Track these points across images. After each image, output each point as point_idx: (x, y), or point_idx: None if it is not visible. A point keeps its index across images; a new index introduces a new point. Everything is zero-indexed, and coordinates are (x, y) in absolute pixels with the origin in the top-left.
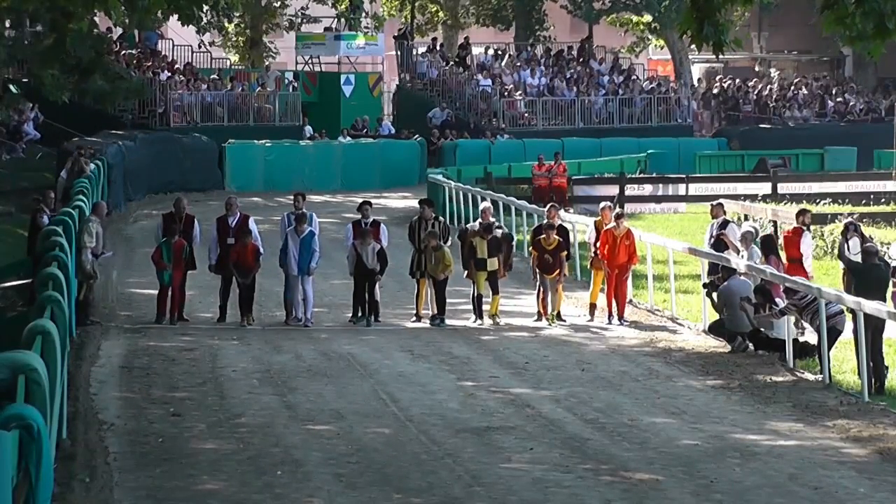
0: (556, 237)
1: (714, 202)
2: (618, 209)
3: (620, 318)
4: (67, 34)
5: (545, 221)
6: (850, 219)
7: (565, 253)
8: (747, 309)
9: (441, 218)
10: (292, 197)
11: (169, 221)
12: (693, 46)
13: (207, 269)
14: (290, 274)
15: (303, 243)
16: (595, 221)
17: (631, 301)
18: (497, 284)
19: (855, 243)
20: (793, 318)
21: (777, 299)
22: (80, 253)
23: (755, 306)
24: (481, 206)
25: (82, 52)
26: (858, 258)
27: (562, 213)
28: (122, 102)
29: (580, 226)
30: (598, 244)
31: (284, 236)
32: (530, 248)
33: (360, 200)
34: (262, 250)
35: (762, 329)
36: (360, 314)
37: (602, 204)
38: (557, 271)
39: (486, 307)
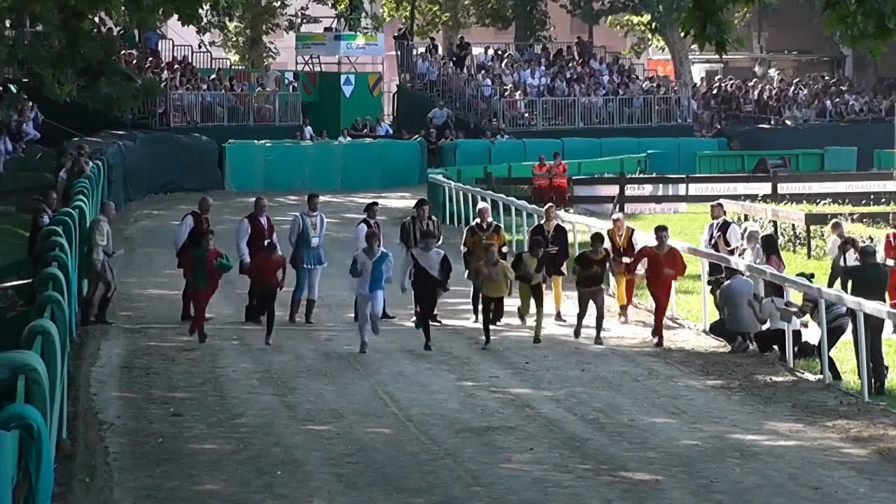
0: (604, 252)
1: (714, 203)
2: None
3: (658, 338)
4: (79, 35)
5: (621, 223)
6: (837, 219)
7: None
8: (755, 307)
9: (434, 217)
10: (307, 197)
11: (199, 222)
12: (693, 46)
13: (238, 270)
14: (303, 273)
15: (374, 266)
16: (608, 231)
17: (631, 301)
18: (542, 297)
19: (850, 256)
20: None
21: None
22: (92, 252)
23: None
24: (478, 206)
25: (91, 53)
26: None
27: (561, 213)
28: (131, 105)
29: (580, 226)
30: (614, 257)
31: (353, 260)
32: (573, 265)
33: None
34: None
35: (764, 322)
36: (429, 339)
37: (615, 215)
38: (599, 285)
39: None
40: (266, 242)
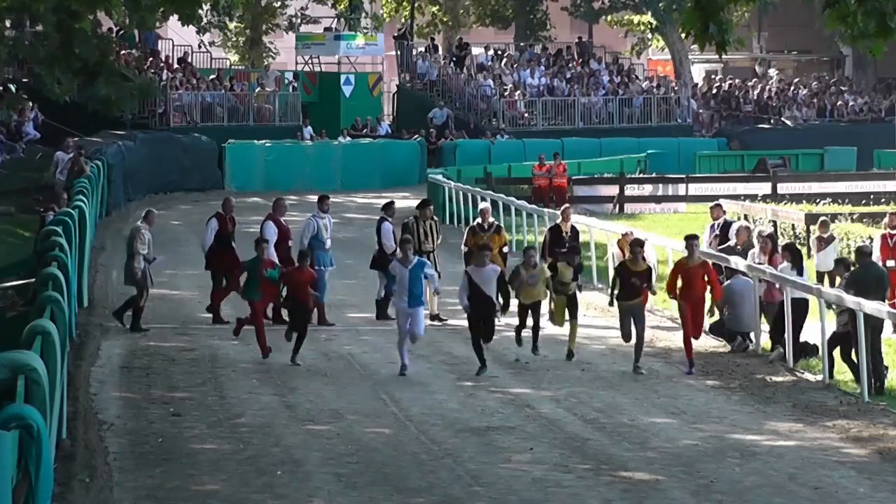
0: (645, 262)
1: (713, 204)
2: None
3: (690, 365)
4: (74, 35)
5: (630, 237)
6: (825, 219)
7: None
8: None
9: (435, 217)
10: (318, 199)
11: (224, 223)
12: (693, 46)
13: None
14: (319, 274)
15: (412, 276)
16: (618, 242)
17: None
18: (577, 308)
19: (827, 252)
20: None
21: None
22: (132, 259)
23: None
24: (480, 206)
25: (88, 53)
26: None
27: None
28: (129, 105)
29: (581, 226)
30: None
31: (388, 272)
32: (613, 277)
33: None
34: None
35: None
36: (482, 363)
37: (624, 229)
38: (643, 297)
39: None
40: (299, 251)
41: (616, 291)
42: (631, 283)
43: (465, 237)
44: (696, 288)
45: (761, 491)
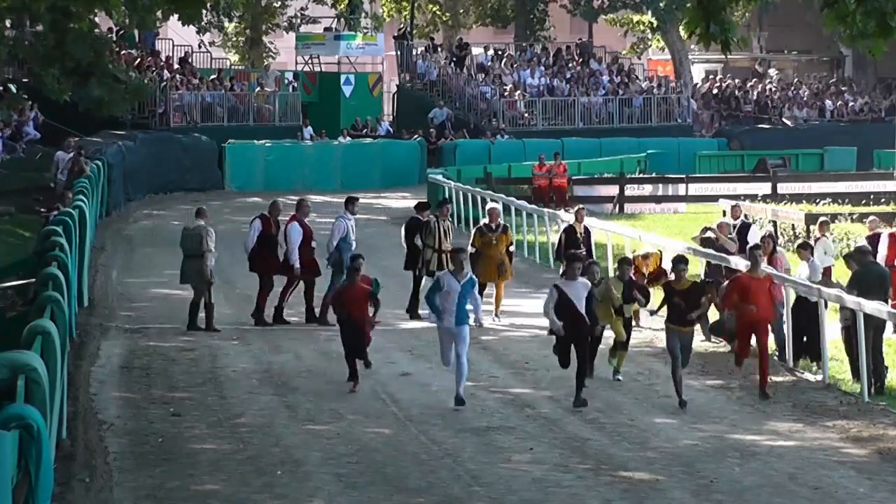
0: (690, 278)
1: (734, 204)
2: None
3: (763, 391)
4: (67, 35)
5: (677, 256)
6: (825, 219)
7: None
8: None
9: (450, 217)
10: (345, 200)
11: (267, 225)
12: (693, 46)
13: (294, 273)
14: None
15: (462, 292)
16: (633, 259)
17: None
18: (631, 329)
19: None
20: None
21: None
22: (204, 259)
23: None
24: (488, 206)
25: (81, 54)
26: (826, 261)
27: (561, 213)
28: (120, 108)
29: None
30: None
31: (435, 281)
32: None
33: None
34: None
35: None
36: (580, 393)
37: (636, 253)
38: (693, 326)
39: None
40: (351, 265)
41: (662, 308)
42: (675, 303)
43: (472, 237)
44: (760, 305)
45: (761, 491)
